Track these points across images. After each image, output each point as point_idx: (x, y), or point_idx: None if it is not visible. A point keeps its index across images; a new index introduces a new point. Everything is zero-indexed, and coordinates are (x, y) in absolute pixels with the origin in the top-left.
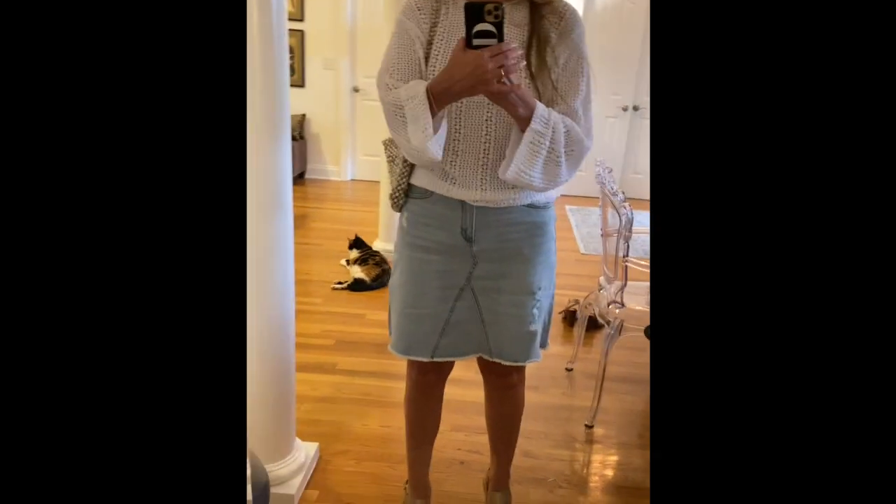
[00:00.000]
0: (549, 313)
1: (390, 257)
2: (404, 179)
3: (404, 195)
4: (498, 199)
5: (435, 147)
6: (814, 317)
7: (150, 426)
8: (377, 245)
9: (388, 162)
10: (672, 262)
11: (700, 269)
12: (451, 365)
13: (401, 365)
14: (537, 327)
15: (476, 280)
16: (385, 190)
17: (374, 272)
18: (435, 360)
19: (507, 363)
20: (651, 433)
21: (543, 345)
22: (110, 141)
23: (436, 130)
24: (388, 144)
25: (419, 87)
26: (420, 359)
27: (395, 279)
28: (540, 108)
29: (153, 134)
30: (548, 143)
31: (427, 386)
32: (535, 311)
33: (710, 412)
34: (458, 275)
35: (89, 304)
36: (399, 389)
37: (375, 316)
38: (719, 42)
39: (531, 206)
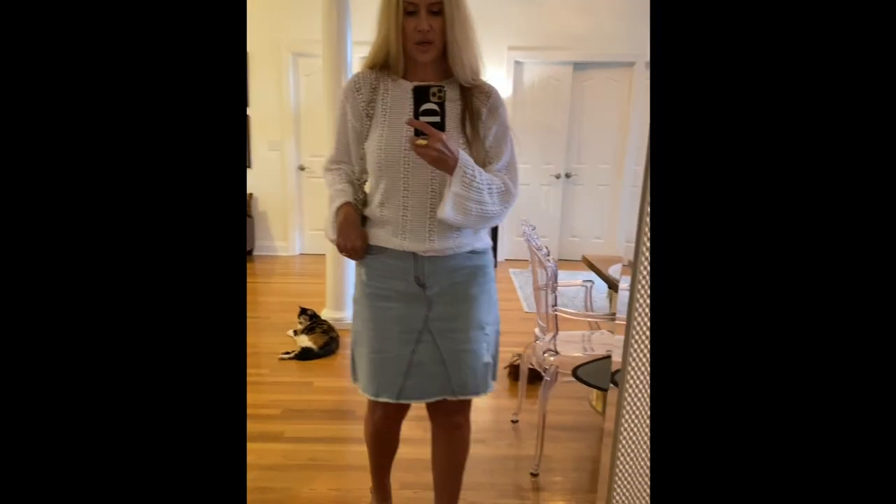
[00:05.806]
0: (497, 346)
1: (338, 325)
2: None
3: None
4: (444, 247)
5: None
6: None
7: (150, 429)
8: (325, 314)
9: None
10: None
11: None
12: (408, 407)
13: (348, 429)
14: (490, 359)
15: (432, 322)
16: (332, 261)
17: (321, 340)
18: (401, 401)
19: (469, 397)
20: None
21: (494, 377)
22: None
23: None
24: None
25: (340, 200)
26: (388, 400)
27: (357, 325)
28: (462, 154)
29: (154, 137)
30: (476, 174)
31: (388, 423)
32: (485, 344)
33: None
34: (416, 318)
35: (88, 309)
36: (347, 452)
37: (323, 383)
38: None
39: (472, 252)
